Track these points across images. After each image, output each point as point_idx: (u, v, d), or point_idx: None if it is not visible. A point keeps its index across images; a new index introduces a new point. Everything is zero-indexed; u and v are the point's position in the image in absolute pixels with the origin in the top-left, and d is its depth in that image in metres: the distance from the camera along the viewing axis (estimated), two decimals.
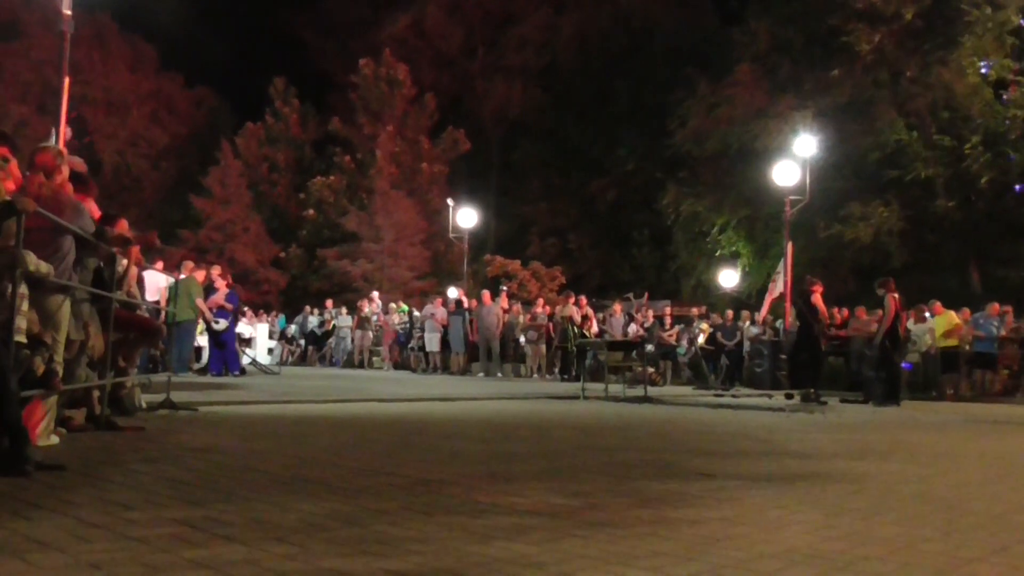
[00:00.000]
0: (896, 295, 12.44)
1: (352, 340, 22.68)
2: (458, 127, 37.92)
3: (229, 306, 14.64)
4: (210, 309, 14.22)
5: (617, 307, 18.86)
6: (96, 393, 5.84)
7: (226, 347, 14.66)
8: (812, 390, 12.13)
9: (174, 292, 10.86)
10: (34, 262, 4.31)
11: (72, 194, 5.17)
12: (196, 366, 15.15)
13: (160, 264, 11.09)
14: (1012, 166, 22.33)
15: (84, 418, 5.80)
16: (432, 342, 19.67)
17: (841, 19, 24.07)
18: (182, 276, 12.99)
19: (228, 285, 15.25)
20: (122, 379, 6.57)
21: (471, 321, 19.13)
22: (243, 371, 15.17)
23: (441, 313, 19.71)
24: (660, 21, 36.74)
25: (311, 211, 37.03)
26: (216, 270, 15.55)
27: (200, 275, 14.52)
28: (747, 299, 25.68)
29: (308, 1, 46.69)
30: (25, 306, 4.07)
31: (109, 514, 2.91)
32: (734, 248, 27.85)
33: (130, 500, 3.19)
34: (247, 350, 18.87)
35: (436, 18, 39.91)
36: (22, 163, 4.87)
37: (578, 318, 17.81)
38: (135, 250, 6.38)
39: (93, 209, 5.62)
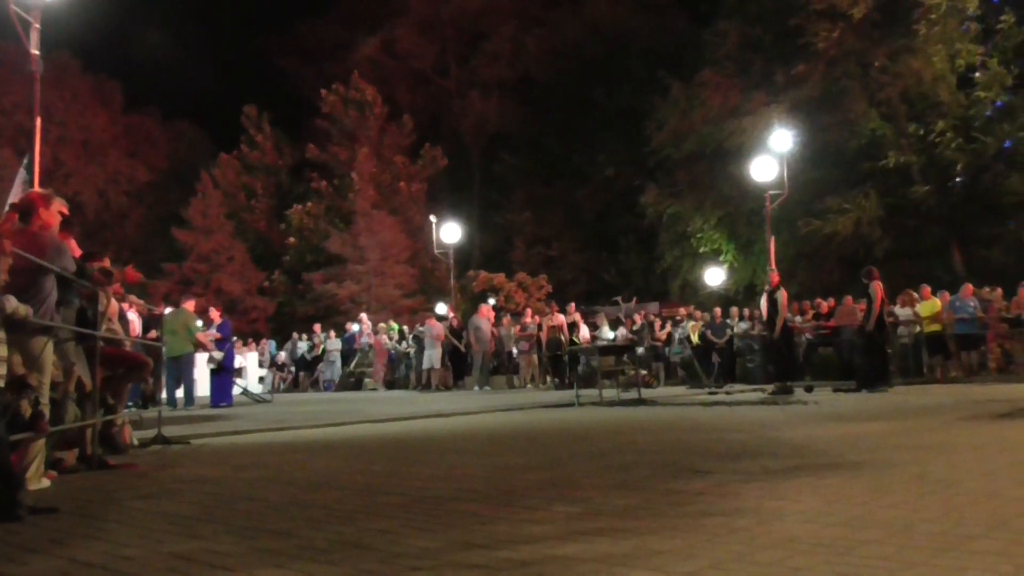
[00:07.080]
0: (880, 283, 12.56)
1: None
2: (437, 144, 38.02)
3: (218, 335, 14.58)
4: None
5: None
6: (88, 433, 5.78)
7: (223, 378, 14.62)
8: (784, 382, 12.32)
9: (171, 326, 10.69)
10: (12, 305, 4.27)
11: (56, 235, 5.14)
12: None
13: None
14: (985, 148, 22.52)
15: (75, 459, 5.74)
16: (431, 359, 19.34)
17: (803, 18, 24.26)
18: (168, 310, 12.88)
19: (220, 315, 15.24)
20: (112, 416, 6.51)
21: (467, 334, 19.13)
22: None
23: (438, 329, 19.57)
24: (632, 27, 36.96)
25: (292, 239, 36.95)
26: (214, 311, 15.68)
27: (190, 305, 14.36)
28: (734, 296, 25.78)
29: (284, 27, 46.90)
30: (3, 351, 4.04)
31: (105, 553, 2.88)
32: (716, 246, 27.94)
33: (126, 537, 3.16)
34: (238, 380, 18.73)
35: (408, 38, 40.02)
36: None
37: (565, 324, 17.85)
38: (115, 285, 6.34)
39: (74, 248, 5.59)
